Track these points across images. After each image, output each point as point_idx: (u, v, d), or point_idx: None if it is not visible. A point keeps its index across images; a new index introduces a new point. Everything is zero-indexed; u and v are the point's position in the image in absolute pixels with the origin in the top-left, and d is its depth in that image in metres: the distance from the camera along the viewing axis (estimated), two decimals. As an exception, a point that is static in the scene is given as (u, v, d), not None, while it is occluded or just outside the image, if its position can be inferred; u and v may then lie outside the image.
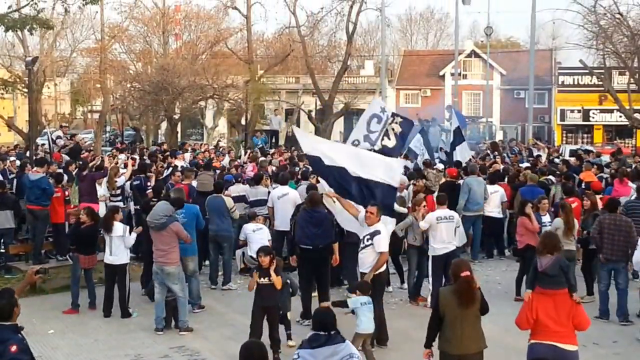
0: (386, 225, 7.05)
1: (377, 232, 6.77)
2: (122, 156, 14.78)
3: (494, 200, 10.68)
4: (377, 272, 6.76)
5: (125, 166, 11.75)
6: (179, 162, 13.71)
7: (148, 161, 12.95)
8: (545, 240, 5.57)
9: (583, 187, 10.99)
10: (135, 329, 7.67)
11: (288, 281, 6.99)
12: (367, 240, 6.83)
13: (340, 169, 7.41)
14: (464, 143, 14.52)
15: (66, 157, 14.45)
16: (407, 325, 7.59)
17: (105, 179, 10.77)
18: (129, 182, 11.01)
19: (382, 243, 6.75)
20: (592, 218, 8.37)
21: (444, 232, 8.14)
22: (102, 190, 10.68)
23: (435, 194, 9.69)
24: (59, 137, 17.44)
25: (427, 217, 8.31)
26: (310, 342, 4.22)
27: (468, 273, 4.91)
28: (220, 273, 9.48)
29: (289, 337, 6.98)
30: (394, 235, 8.12)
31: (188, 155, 16.13)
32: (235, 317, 7.93)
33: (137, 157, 14.63)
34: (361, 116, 12.19)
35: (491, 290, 8.71)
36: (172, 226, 7.42)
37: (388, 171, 7.48)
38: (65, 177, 10.79)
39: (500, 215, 10.81)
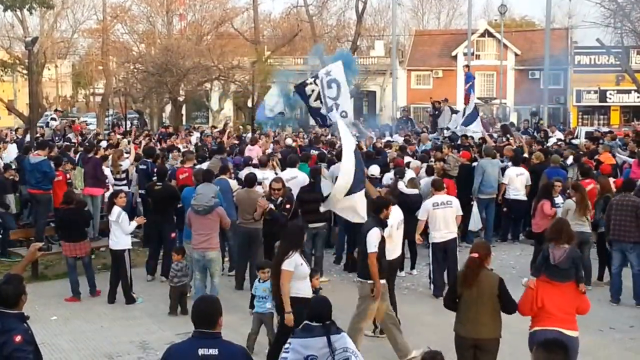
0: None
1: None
2: (125, 140, 14.52)
3: (519, 182, 10.52)
4: (391, 259, 6.54)
5: (129, 150, 11.57)
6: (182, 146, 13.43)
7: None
8: (562, 227, 5.29)
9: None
10: (141, 315, 7.56)
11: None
12: None
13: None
14: (476, 121, 14.23)
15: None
16: (419, 310, 7.54)
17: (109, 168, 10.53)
18: (134, 166, 10.80)
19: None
20: (604, 201, 8.19)
21: (442, 219, 7.92)
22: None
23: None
24: (53, 118, 17.17)
25: (423, 206, 8.13)
26: (303, 332, 4.01)
27: (475, 255, 4.89)
28: (226, 259, 9.30)
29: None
30: (412, 221, 7.93)
31: (194, 138, 15.88)
32: (241, 303, 7.75)
33: (142, 141, 14.35)
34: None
35: (505, 274, 8.34)
36: (218, 210, 7.30)
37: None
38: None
39: (526, 198, 10.61)
